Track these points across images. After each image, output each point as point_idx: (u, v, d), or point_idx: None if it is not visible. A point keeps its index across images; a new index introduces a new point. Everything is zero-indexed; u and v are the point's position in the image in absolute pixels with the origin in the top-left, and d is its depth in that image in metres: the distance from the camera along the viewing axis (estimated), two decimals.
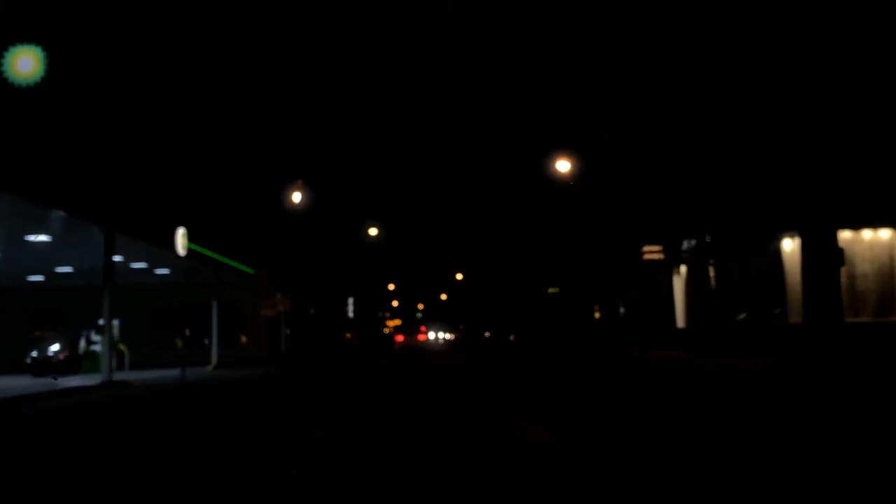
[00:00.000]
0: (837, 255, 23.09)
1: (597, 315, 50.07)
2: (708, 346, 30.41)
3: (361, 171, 67.09)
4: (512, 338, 57.58)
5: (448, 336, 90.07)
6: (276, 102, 41.56)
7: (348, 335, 53.38)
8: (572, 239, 50.07)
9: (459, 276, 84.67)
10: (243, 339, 40.80)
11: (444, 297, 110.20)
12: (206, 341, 36.96)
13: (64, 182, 18.42)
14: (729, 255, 30.74)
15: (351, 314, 66.32)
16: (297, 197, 30.65)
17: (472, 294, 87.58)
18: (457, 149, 77.50)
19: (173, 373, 27.07)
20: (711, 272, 32.38)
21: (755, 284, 29.20)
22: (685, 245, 34.04)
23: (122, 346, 31.36)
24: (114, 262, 21.14)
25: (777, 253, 27.13)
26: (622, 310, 44.52)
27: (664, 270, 37.22)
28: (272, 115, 41.67)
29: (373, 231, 50.94)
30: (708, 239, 31.82)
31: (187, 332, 40.59)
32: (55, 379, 24.01)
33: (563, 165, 32.32)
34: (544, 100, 45.73)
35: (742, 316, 29.94)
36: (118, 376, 25.08)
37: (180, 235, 25.01)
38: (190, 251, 26.32)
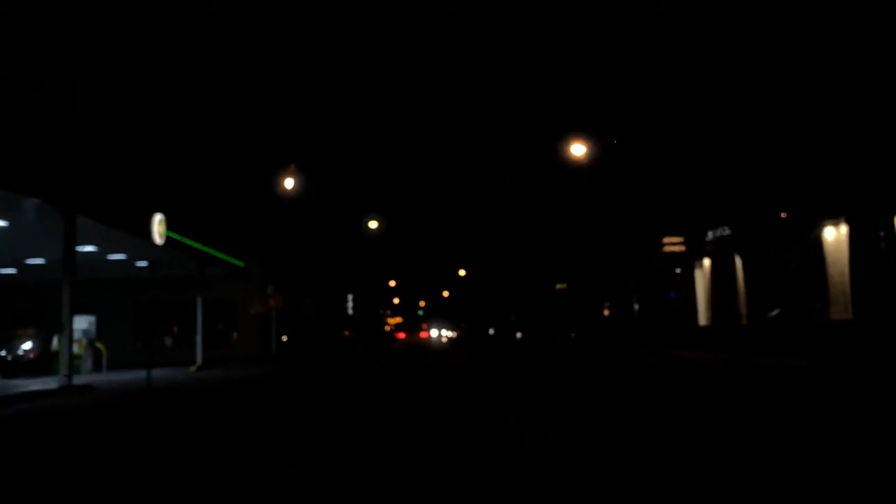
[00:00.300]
0: (894, 243, 20.58)
1: (606, 312, 47.52)
2: (735, 345, 27.83)
3: (362, 165, 64.90)
4: (519, 335, 55.08)
5: (450, 334, 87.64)
6: (273, 88, 39.23)
7: (347, 333, 50.83)
8: (582, 232, 47.56)
9: (462, 273, 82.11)
10: (237, 337, 38.62)
11: (445, 294, 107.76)
12: (197, 338, 35.75)
13: (16, 158, 15.95)
14: (760, 246, 28.21)
15: (350, 311, 63.82)
16: (289, 183, 28.10)
17: (475, 291, 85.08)
18: (459, 141, 75.20)
19: (159, 373, 24.72)
20: (739, 265, 29.85)
21: (791, 278, 26.66)
22: (710, 236, 31.46)
23: (98, 345, 28.92)
24: (77, 250, 18.69)
25: (818, 242, 24.61)
26: (637, 306, 41.97)
27: (685, 264, 34.68)
28: (268, 101, 39.31)
29: (373, 224, 48.40)
30: (736, 228, 29.26)
31: (175, 329, 38.36)
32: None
33: (578, 149, 29.74)
34: (553, 87, 43.30)
35: (775, 312, 27.39)
36: (90, 378, 22.78)
37: (157, 222, 22.53)
38: (169, 240, 23.88)
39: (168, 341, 37.88)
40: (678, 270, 36.41)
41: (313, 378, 20.55)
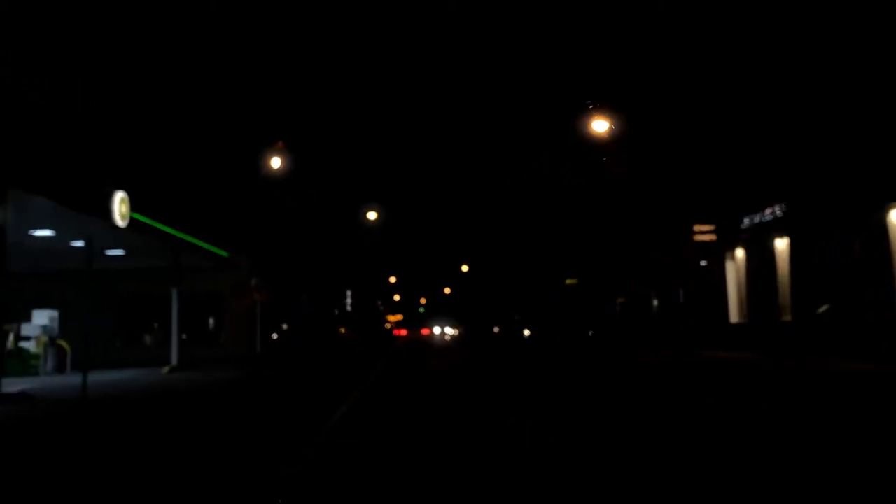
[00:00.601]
0: None
1: (617, 309, 44.31)
2: (775, 345, 24.71)
3: (361, 154, 62.06)
4: (527, 333, 51.93)
5: (453, 332, 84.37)
6: (267, 68, 36.16)
7: (343, 330, 47.59)
8: (594, 222, 44.39)
9: (465, 268, 78.87)
10: (229, 334, 35.63)
11: (447, 291, 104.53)
12: (184, 336, 32.65)
13: None
14: (807, 233, 24.99)
15: (349, 308, 60.63)
16: (276, 162, 24.91)
17: (478, 287, 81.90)
18: (462, 129, 72.19)
19: (128, 374, 21.78)
20: (784, 255, 26.64)
21: (844, 268, 23.48)
22: (746, 222, 28.26)
23: (62, 343, 25.81)
24: (31, 234, 15.53)
25: (881, 227, 21.42)
26: (655, 302, 38.77)
27: (715, 255, 31.46)
28: (261, 80, 36.20)
29: (372, 215, 45.24)
30: (779, 213, 26.04)
31: (156, 326, 35.36)
32: None
33: (600, 125, 26.50)
34: (565, 64, 40.17)
35: (824, 308, 24.23)
36: (42, 382, 19.74)
37: (118, 201, 19.36)
38: (135, 223, 20.73)
39: (148, 339, 34.87)
40: (703, 263, 33.22)
41: (291, 387, 17.33)
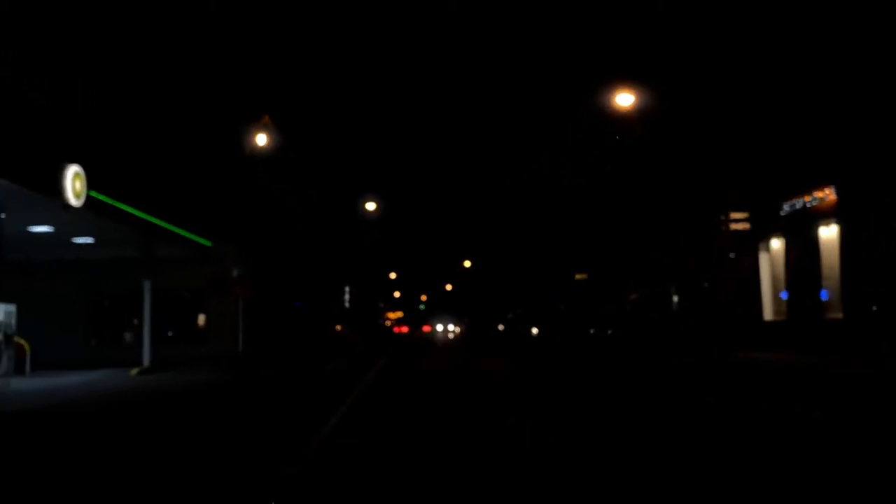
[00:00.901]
0: None
1: (629, 306, 41.44)
2: (820, 344, 21.88)
3: (362, 148, 59.68)
4: (535, 331, 49.14)
5: (456, 330, 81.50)
6: (261, 48, 33.38)
7: (338, 328, 44.70)
8: (605, 213, 41.58)
9: (467, 264, 75.99)
10: (220, 332, 32.91)
11: (449, 287, 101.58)
12: (170, 334, 30.06)
13: None
14: (862, 219, 22.12)
15: (347, 305, 57.77)
16: (261, 139, 22.04)
17: (481, 283, 79.08)
18: (464, 122, 69.51)
19: (92, 377, 19.15)
20: (833, 244, 23.77)
21: None
22: (785, 208, 25.39)
23: (20, 341, 22.95)
24: None
25: None
26: (676, 298, 35.92)
27: (748, 245, 28.56)
28: (253, 59, 33.35)
29: (371, 205, 42.40)
30: (826, 197, 23.18)
31: (136, 322, 32.60)
32: None
33: (624, 99, 23.61)
34: (581, 38, 37.37)
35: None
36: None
37: (71, 176, 16.55)
38: (94, 203, 17.96)
39: (128, 336, 32.07)
40: (732, 255, 30.36)
41: (265, 400, 14.47)
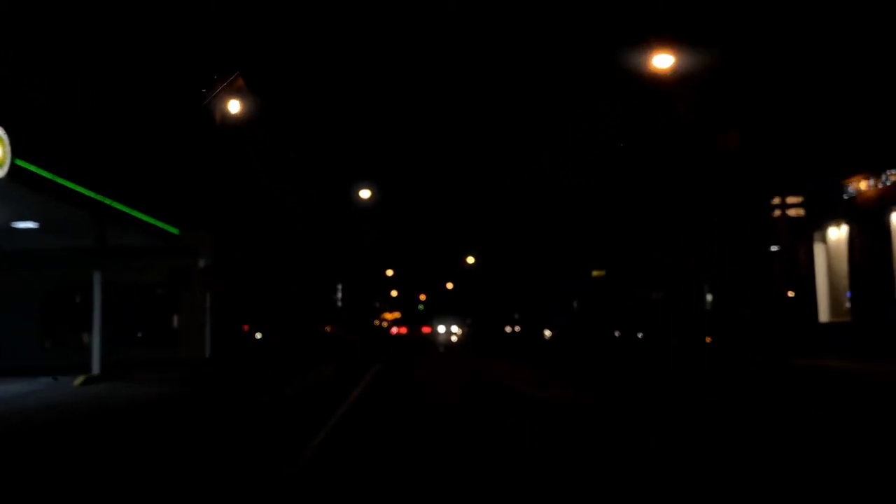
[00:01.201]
0: None
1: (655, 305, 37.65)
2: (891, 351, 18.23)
3: (357, 138, 56.54)
4: (548, 334, 45.60)
5: (458, 330, 77.88)
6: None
7: (329, 328, 41.01)
8: (622, 205, 37.96)
9: (471, 260, 72.23)
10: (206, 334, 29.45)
11: (449, 286, 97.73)
12: (140, 334, 27.23)
13: None
14: None
15: (339, 303, 54.12)
16: (233, 105, 18.28)
17: (486, 281, 75.41)
18: (466, 108, 66.12)
19: (25, 387, 16.19)
20: None
21: None
22: (848, 190, 21.66)
23: None
24: None
25: None
26: (709, 297, 32.17)
27: (800, 235, 24.78)
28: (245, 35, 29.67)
29: (366, 193, 38.73)
30: None
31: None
32: None
33: (663, 60, 19.87)
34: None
35: None
36: None
37: None
38: (22, 175, 14.36)
39: (86, 338, 28.44)
40: (774, 248, 26.65)
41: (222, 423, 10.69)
